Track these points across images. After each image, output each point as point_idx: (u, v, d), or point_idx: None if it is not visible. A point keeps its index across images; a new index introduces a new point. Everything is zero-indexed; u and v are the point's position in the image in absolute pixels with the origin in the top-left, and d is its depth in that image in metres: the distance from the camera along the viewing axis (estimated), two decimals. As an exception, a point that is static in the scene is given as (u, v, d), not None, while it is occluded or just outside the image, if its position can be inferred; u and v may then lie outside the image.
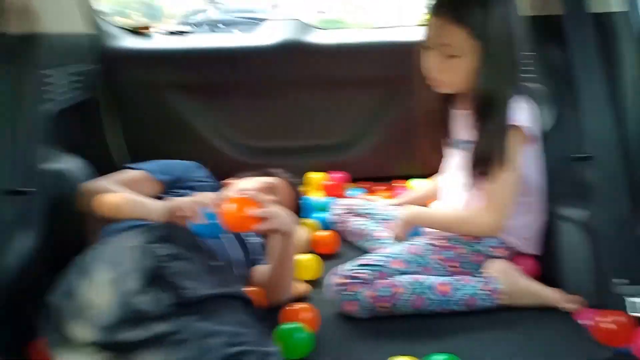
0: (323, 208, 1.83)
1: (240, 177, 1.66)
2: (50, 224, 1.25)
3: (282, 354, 0.96)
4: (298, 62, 1.95)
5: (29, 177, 1.20)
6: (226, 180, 1.63)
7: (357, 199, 1.77)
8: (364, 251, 1.56)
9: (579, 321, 1.20)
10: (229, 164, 1.96)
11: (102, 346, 0.83)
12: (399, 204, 1.67)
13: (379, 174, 2.09)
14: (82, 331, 0.87)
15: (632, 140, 1.14)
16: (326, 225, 1.73)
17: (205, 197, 1.12)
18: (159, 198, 1.28)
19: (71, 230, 1.33)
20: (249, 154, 2.05)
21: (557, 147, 1.36)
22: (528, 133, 1.26)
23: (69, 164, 1.40)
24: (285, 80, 1.99)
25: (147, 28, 2.01)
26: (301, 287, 1.36)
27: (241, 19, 2.42)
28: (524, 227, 1.35)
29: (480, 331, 1.20)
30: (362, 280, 1.23)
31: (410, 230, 1.37)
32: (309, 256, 1.46)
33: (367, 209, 1.66)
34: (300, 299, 1.32)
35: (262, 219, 1.11)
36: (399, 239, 1.37)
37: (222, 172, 1.63)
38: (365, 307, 1.22)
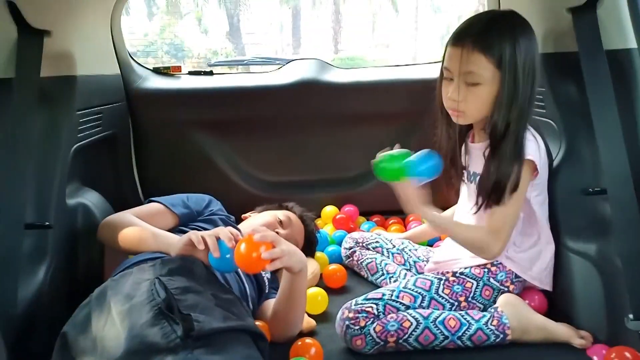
0: (335, 242, 1.85)
1: (256, 210, 1.70)
2: (68, 256, 1.30)
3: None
4: (316, 100, 2.01)
5: (53, 211, 1.27)
6: (243, 215, 1.68)
7: (369, 232, 1.78)
8: (374, 285, 1.58)
9: (594, 358, 1.18)
10: (246, 198, 2.01)
11: None
12: (407, 237, 1.68)
13: (393, 208, 2.10)
14: None
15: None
16: (336, 259, 1.74)
17: (222, 231, 1.13)
18: (177, 231, 1.32)
19: (89, 263, 1.39)
20: (265, 188, 2.10)
21: (568, 181, 1.36)
22: (537, 166, 1.27)
23: (88, 198, 1.46)
24: (301, 117, 2.05)
25: (178, 69, 2.11)
26: (308, 322, 1.36)
27: (262, 60, 2.49)
28: (534, 262, 1.35)
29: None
30: (370, 314, 1.24)
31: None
32: (316, 290, 1.47)
33: (378, 242, 1.68)
34: (308, 333, 1.33)
35: (272, 259, 1.09)
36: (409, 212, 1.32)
37: (238, 205, 1.67)
38: (372, 342, 1.23)
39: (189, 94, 2.03)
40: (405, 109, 1.99)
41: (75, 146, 1.44)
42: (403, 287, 1.32)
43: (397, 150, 1.31)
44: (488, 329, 1.24)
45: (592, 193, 1.22)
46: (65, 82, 1.40)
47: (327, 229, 1.98)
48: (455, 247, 1.45)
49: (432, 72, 1.39)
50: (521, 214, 1.32)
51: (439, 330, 1.23)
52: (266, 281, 1.41)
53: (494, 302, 1.33)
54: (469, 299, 1.33)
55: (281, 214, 1.60)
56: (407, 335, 1.22)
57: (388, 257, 1.64)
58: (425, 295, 1.32)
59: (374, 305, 1.26)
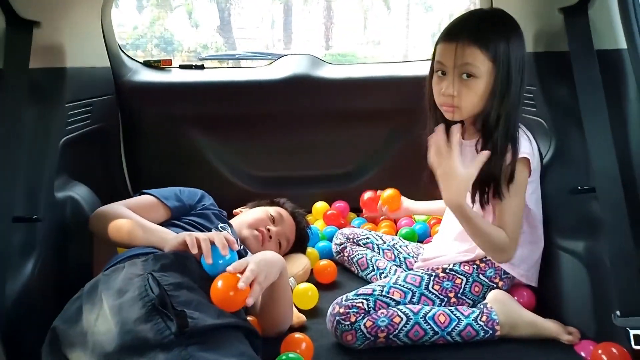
0: (326, 237, 1.86)
1: (247, 206, 1.70)
2: (57, 250, 1.29)
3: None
4: (307, 95, 2.00)
5: (42, 204, 1.25)
6: (235, 210, 1.67)
7: (359, 228, 1.79)
8: (364, 281, 1.58)
9: (581, 353, 1.19)
10: (236, 193, 2.01)
11: None
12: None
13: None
14: (83, 358, 0.90)
15: (636, 173, 1.15)
16: (326, 255, 1.74)
17: (217, 237, 1.10)
18: (169, 224, 1.31)
19: (78, 257, 1.37)
20: (256, 183, 2.09)
21: (557, 179, 1.38)
22: (531, 163, 1.29)
23: (77, 191, 1.44)
24: (294, 113, 2.04)
25: (169, 62, 2.09)
26: (298, 317, 1.36)
27: (253, 54, 2.47)
28: (523, 258, 1.36)
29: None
30: (360, 310, 1.25)
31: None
32: (307, 285, 1.47)
33: (368, 238, 1.68)
34: (298, 328, 1.33)
35: (250, 288, 1.03)
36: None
37: (229, 201, 1.66)
38: (363, 337, 1.23)
39: (179, 87, 2.01)
40: (396, 106, 1.99)
41: (64, 139, 1.42)
42: (393, 283, 1.33)
43: None
44: (477, 324, 1.25)
45: (581, 191, 1.23)
46: (55, 74, 1.38)
47: (317, 225, 1.98)
48: (443, 244, 1.47)
49: (424, 70, 1.40)
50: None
51: (429, 326, 1.24)
52: None
53: (484, 298, 1.34)
54: (459, 295, 1.34)
55: (273, 210, 1.59)
56: (397, 331, 1.23)
57: (378, 253, 1.64)
58: (416, 291, 1.33)
59: (365, 301, 1.26)
